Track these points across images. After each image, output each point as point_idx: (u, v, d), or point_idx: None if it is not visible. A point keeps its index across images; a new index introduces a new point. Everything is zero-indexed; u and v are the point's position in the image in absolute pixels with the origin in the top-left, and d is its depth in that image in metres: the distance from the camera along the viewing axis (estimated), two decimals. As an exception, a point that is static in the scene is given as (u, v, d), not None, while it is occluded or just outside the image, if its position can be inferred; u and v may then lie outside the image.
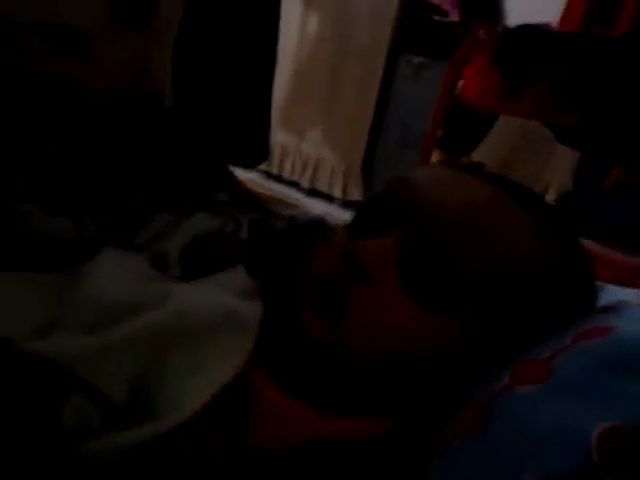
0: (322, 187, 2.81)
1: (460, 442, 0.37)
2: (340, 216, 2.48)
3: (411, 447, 0.42)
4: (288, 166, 2.88)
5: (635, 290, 0.50)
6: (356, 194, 2.70)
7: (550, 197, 2.04)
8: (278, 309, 0.45)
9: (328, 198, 2.79)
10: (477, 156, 1.92)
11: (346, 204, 2.72)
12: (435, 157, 2.10)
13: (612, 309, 0.44)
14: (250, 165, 0.99)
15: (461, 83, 1.61)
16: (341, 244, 0.44)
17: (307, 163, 2.83)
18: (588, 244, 1.38)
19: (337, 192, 2.75)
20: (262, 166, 2.85)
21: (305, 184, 2.85)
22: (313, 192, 2.84)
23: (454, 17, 1.84)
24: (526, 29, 1.43)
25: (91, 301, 0.43)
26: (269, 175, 2.91)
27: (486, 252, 0.41)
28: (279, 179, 2.91)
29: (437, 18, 2.07)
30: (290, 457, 0.39)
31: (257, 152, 0.95)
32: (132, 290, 0.44)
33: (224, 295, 0.45)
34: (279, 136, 2.80)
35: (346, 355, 0.41)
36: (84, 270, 0.47)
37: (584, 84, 1.35)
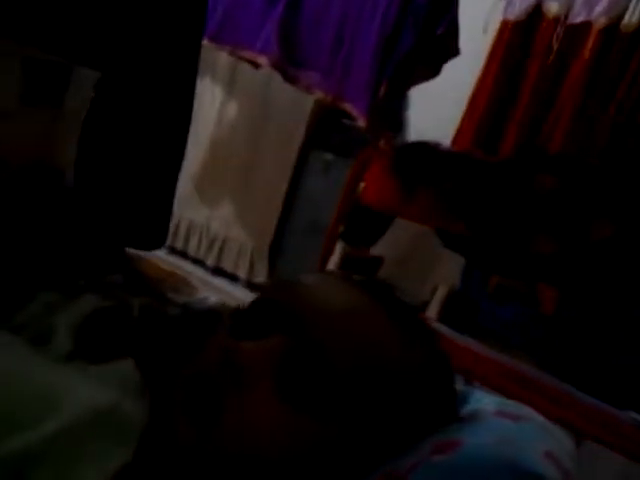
0: (227, 266, 2.82)
1: None
2: (243, 296, 2.48)
3: None
4: (194, 242, 2.88)
5: (495, 398, 0.54)
6: (261, 275, 2.73)
7: (439, 295, 2.19)
8: (154, 410, 0.44)
9: (232, 278, 2.80)
10: (377, 250, 2.05)
11: (250, 284, 2.73)
12: (339, 247, 2.21)
13: (467, 420, 0.48)
14: (146, 248, 1.00)
15: (362, 185, 1.74)
16: (222, 343, 0.45)
17: (214, 241, 2.84)
18: (473, 344, 1.48)
19: (242, 272, 2.77)
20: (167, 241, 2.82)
21: (210, 262, 2.84)
22: (218, 271, 2.84)
23: (362, 123, 2.02)
24: (419, 145, 1.61)
25: None
26: (173, 250, 2.87)
27: (360, 363, 0.43)
28: (184, 255, 2.88)
29: (346, 122, 2.27)
30: None
31: (154, 237, 0.96)
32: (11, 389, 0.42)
33: (105, 390, 0.44)
34: (188, 212, 2.82)
35: (217, 458, 0.41)
36: None
37: (466, 198, 1.53)
